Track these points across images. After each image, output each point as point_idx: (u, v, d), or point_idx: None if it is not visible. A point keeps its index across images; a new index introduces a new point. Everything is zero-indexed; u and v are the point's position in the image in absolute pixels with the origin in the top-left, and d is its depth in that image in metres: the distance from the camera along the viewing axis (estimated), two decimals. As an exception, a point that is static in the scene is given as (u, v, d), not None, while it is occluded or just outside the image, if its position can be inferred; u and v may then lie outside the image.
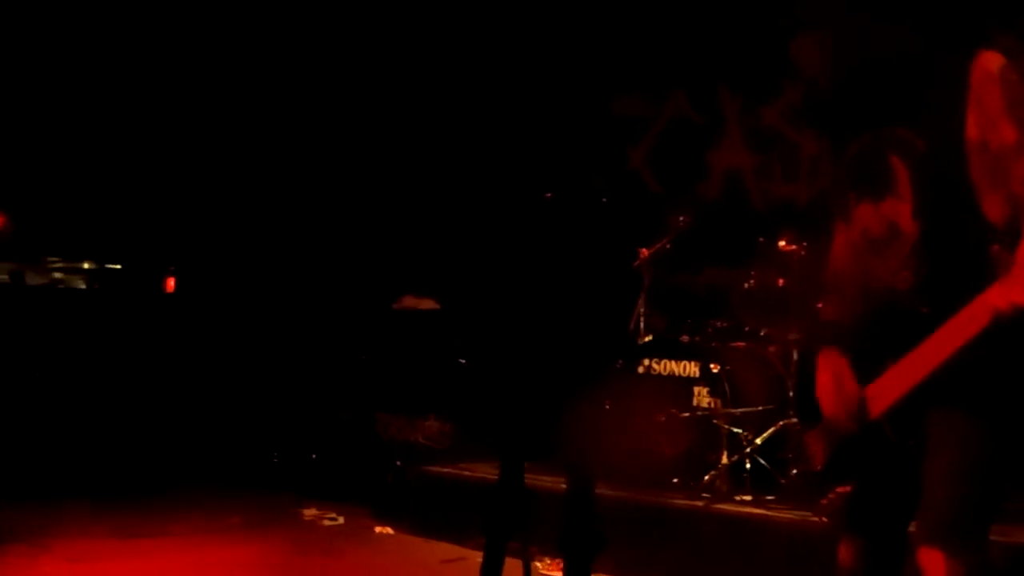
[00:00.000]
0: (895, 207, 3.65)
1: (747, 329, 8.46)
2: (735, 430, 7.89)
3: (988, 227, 3.47)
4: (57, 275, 10.52)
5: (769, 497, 7.48)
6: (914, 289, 3.57)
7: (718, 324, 8.62)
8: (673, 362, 8.39)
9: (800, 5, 3.80)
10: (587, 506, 5.80)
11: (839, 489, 3.79)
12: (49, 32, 10.70)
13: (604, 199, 6.79)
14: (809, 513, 4.27)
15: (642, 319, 8.74)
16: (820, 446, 3.91)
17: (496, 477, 7.80)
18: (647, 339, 8.65)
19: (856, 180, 3.77)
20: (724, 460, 7.79)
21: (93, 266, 10.64)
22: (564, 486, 5.86)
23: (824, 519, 3.87)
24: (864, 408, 3.70)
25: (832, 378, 3.80)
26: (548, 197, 6.31)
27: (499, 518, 5.78)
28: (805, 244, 8.05)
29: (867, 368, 3.70)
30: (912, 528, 3.64)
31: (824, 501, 3.85)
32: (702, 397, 8.18)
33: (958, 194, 3.51)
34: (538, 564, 7.05)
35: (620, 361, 8.51)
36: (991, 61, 3.48)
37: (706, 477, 7.78)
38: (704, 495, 7.61)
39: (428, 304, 10.59)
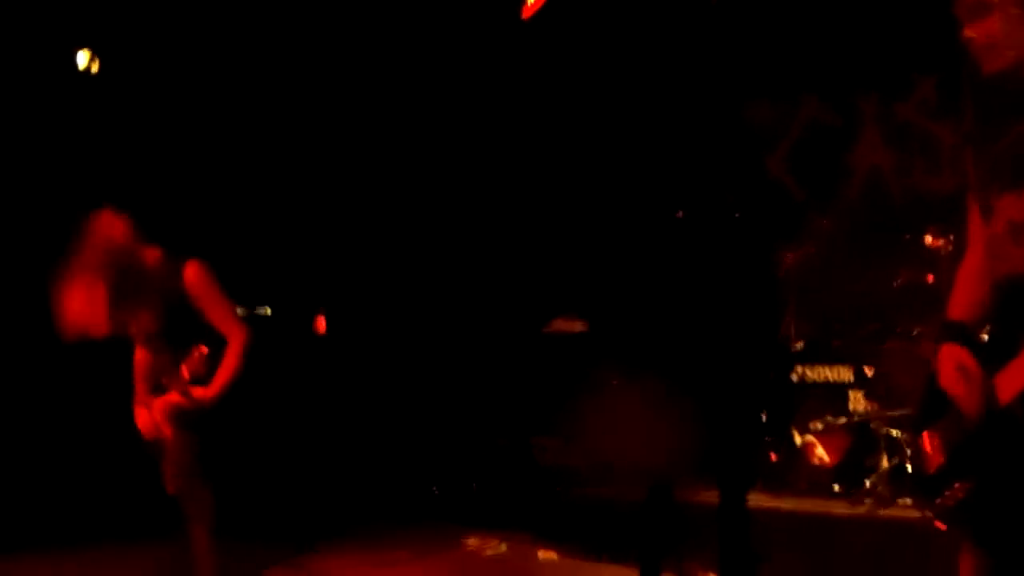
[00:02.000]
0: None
1: (899, 329, 8.33)
2: (893, 433, 7.76)
3: None
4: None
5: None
6: None
7: (870, 326, 8.50)
8: (827, 367, 8.31)
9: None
10: (741, 520, 5.76)
11: (958, 485, 3.67)
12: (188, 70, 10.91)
13: (737, 214, 6.75)
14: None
15: (793, 326, 8.66)
16: (938, 444, 3.82)
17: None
18: (799, 345, 8.57)
19: (1004, 172, 3.72)
20: (884, 464, 7.66)
21: (244, 312, 10.79)
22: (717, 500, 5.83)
23: (940, 524, 3.77)
24: (993, 395, 3.61)
25: (956, 366, 3.71)
26: (679, 216, 6.29)
27: (650, 536, 5.77)
28: (952, 237, 7.91)
29: (1001, 358, 3.61)
30: None
31: (940, 501, 3.75)
32: (858, 401, 8.08)
33: None
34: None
35: (772, 372, 8.44)
36: None
37: (867, 483, 7.66)
38: (866, 501, 7.49)
39: (578, 326, 10.58)
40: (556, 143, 11.27)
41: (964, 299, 3.89)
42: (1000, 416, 3.59)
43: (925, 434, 3.88)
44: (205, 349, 5.82)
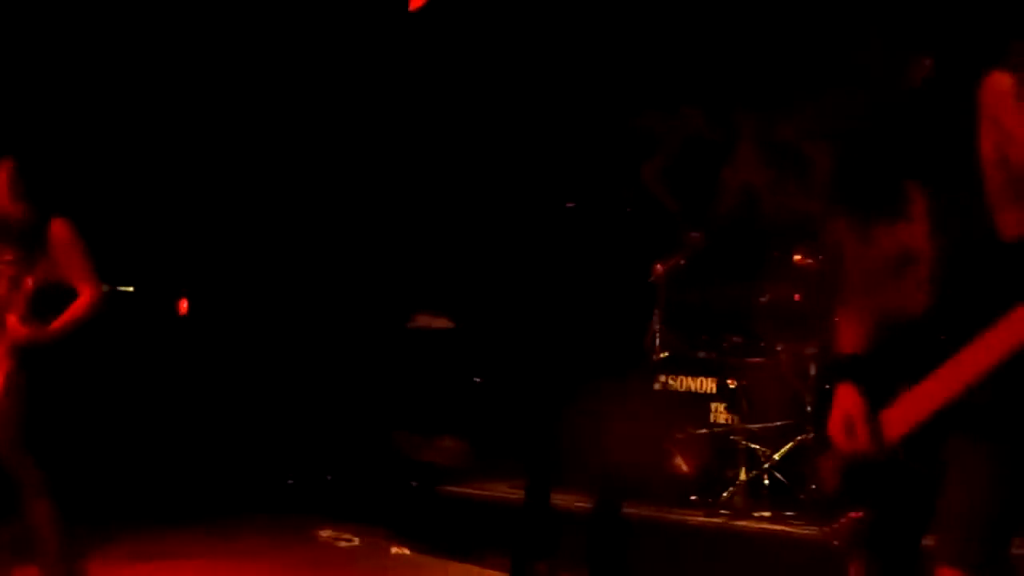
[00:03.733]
0: (910, 230, 3.64)
1: (763, 344, 8.43)
2: (753, 446, 7.87)
3: (1004, 247, 3.48)
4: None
5: (788, 513, 7.45)
6: (930, 314, 3.55)
7: (734, 340, 8.60)
8: (690, 378, 8.39)
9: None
10: (614, 524, 5.78)
11: (851, 514, 3.77)
12: (64, 53, 10.70)
13: (628, 209, 6.78)
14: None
15: (658, 336, 8.71)
16: (832, 469, 3.89)
17: (513, 497, 7.81)
18: (663, 355, 8.62)
19: (873, 202, 3.77)
20: (742, 476, 7.77)
21: (106, 288, 10.60)
22: (589, 505, 5.84)
23: (835, 542, 3.84)
24: (879, 433, 3.68)
25: (843, 417, 3.75)
26: (570, 206, 6.27)
27: (526, 540, 5.76)
28: (820, 258, 8.02)
29: (883, 393, 3.66)
30: (927, 546, 3.62)
31: (836, 525, 3.84)
32: (719, 413, 8.16)
33: (976, 215, 3.52)
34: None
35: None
36: (1002, 81, 3.49)
37: (724, 494, 7.75)
38: (723, 512, 7.57)
39: (442, 322, 10.57)
40: (434, 128, 11.24)
41: (852, 330, 3.87)
42: (886, 453, 3.67)
43: (819, 459, 3.94)
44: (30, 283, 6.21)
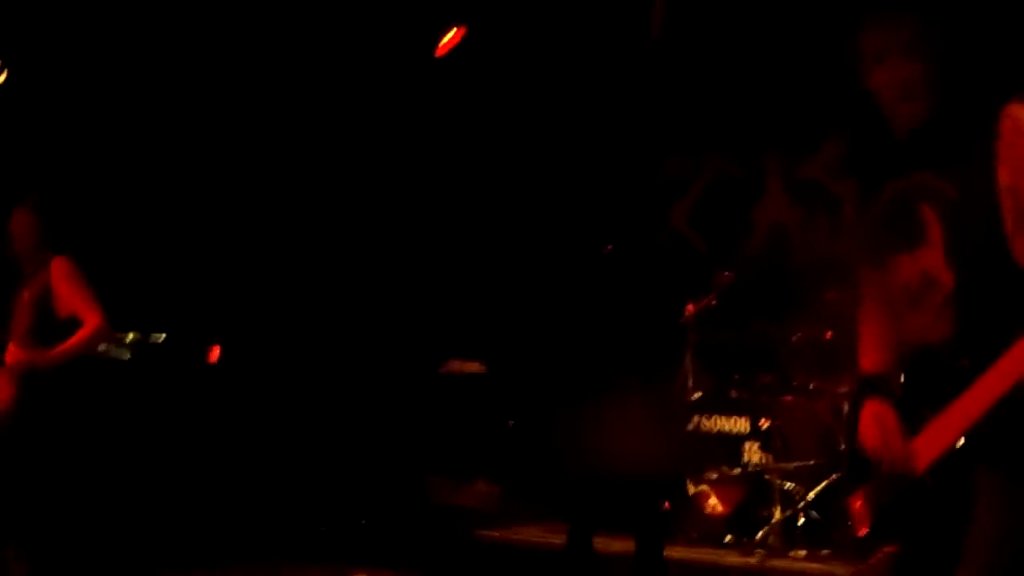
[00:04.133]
0: (928, 257, 3.61)
1: (796, 383, 8.41)
2: (787, 485, 7.82)
3: (1021, 274, 3.46)
4: (102, 347, 10.52)
5: (824, 551, 7.41)
6: (951, 341, 3.52)
7: (766, 379, 8.58)
8: (723, 418, 8.36)
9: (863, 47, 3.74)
10: (659, 567, 5.77)
11: (885, 549, 3.76)
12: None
13: (664, 254, 6.80)
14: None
15: (690, 376, 8.69)
16: (866, 507, 3.82)
17: (546, 541, 7.80)
18: (696, 396, 8.61)
19: (888, 230, 3.72)
20: (777, 515, 7.72)
21: (137, 337, 10.66)
22: (632, 548, 5.83)
23: None
24: (911, 460, 3.60)
25: (879, 426, 3.67)
26: (608, 250, 6.29)
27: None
28: (852, 296, 8.00)
29: (908, 424, 3.60)
30: None
31: (868, 564, 3.81)
32: (753, 452, 8.13)
33: (990, 242, 3.49)
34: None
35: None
36: (1020, 112, 3.51)
37: (759, 533, 7.71)
38: (758, 551, 7.53)
39: (474, 367, 10.58)
40: (464, 179, 11.27)
41: (876, 353, 3.82)
42: (915, 484, 3.60)
43: (852, 499, 3.90)
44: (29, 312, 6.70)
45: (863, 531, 3.81)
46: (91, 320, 6.71)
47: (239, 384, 11.15)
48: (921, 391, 3.59)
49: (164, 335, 10.81)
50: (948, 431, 3.47)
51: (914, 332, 3.65)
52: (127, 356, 10.68)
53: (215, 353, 11.19)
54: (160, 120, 11.01)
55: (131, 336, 10.64)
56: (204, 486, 10.39)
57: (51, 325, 6.68)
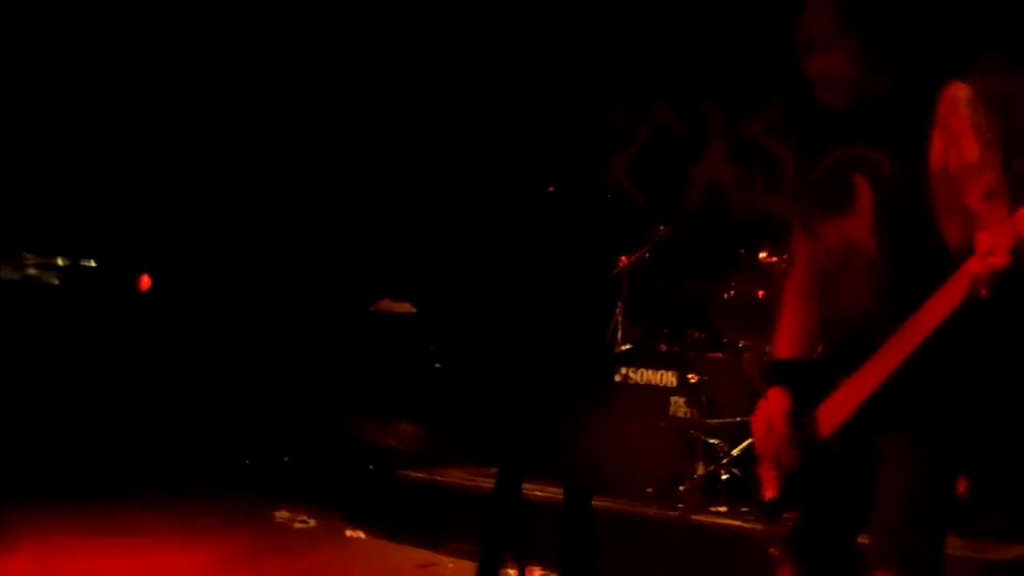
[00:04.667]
0: (854, 224, 3.67)
1: (726, 340, 8.44)
2: (711, 441, 7.87)
3: (947, 252, 3.52)
4: (31, 271, 10.43)
5: (744, 508, 7.46)
6: (871, 309, 3.57)
7: (696, 335, 8.59)
8: (650, 371, 8.37)
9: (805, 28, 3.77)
10: (586, 515, 5.78)
11: (786, 515, 3.77)
12: (25, 30, 10.63)
13: (609, 195, 6.77)
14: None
15: (620, 328, 8.70)
16: (772, 474, 3.89)
17: (471, 483, 7.80)
18: (625, 348, 8.62)
19: (820, 196, 3.77)
20: (700, 471, 7.77)
21: (67, 262, 10.56)
22: (561, 495, 5.83)
23: (774, 550, 3.83)
24: (814, 428, 3.70)
25: (765, 422, 3.84)
26: (551, 190, 6.23)
27: (497, 528, 5.74)
28: (786, 256, 8.03)
29: (823, 388, 3.68)
30: (861, 547, 3.65)
31: (774, 529, 3.84)
32: (679, 407, 8.15)
33: (918, 219, 3.56)
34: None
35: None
36: (959, 90, 3.59)
37: (681, 487, 7.75)
38: (679, 505, 7.58)
39: (404, 307, 10.55)
40: (401, 113, 11.22)
41: (786, 340, 3.96)
42: (818, 448, 3.68)
43: (759, 466, 3.96)
44: None
45: (769, 496, 3.88)
46: None
47: (168, 315, 11.10)
48: (839, 357, 3.64)
49: (93, 261, 10.72)
50: (854, 395, 3.54)
51: (837, 297, 3.70)
52: (56, 281, 10.59)
53: (145, 281, 11.11)
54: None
55: (61, 261, 10.55)
56: (130, 415, 10.35)
57: None
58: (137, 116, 11.23)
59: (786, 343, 3.94)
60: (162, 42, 11.14)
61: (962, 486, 4.83)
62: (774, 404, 3.82)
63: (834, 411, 3.61)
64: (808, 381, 3.77)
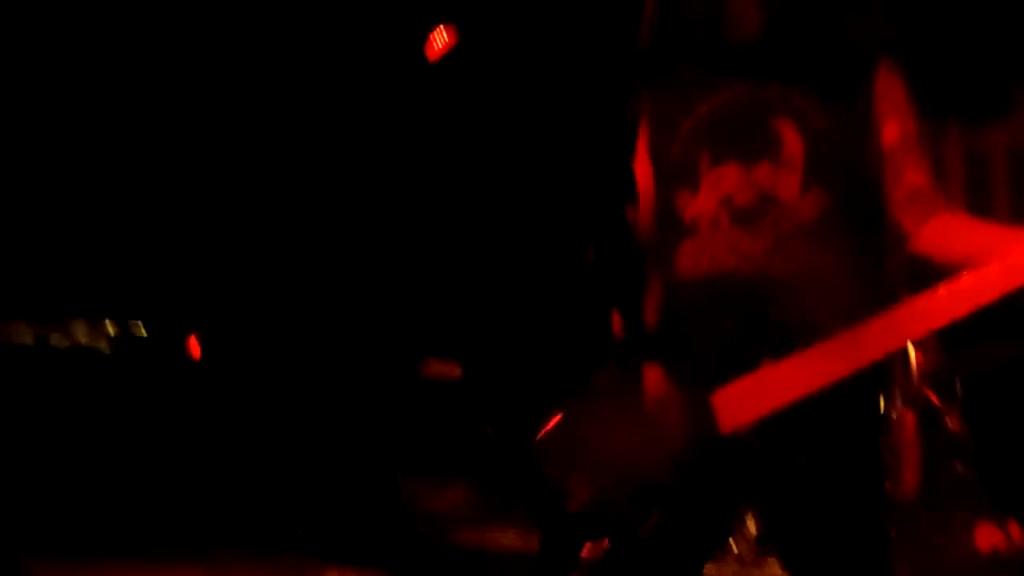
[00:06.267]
0: (774, 175, 3.06)
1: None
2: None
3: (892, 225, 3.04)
4: (81, 338, 10.52)
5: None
6: (798, 275, 2.97)
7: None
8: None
9: None
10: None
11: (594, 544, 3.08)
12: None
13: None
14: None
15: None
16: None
17: (522, 545, 7.75)
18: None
19: (716, 138, 3.12)
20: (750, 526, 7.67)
21: (117, 329, 10.65)
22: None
23: None
24: (710, 419, 2.94)
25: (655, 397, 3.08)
26: (591, 253, 6.22)
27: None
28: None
29: (722, 367, 2.93)
30: None
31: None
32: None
33: (858, 181, 3.05)
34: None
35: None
36: (896, 69, 3.18)
37: (731, 543, 7.64)
38: (731, 560, 7.48)
39: (454, 369, 10.54)
40: (440, 180, 11.25)
41: (677, 287, 3.14)
42: (707, 443, 2.96)
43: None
44: None
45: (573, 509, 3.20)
46: None
47: (218, 379, 11.14)
48: (747, 330, 2.97)
49: (144, 328, 10.79)
50: (791, 383, 2.88)
51: (743, 258, 3.04)
52: (107, 348, 10.67)
53: (195, 347, 11.16)
54: (140, 108, 10.99)
55: (111, 328, 10.63)
56: (178, 474, 10.38)
57: None
58: (187, 183, 11.34)
59: (674, 299, 3.15)
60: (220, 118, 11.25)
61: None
62: (654, 384, 3.07)
63: (747, 401, 2.90)
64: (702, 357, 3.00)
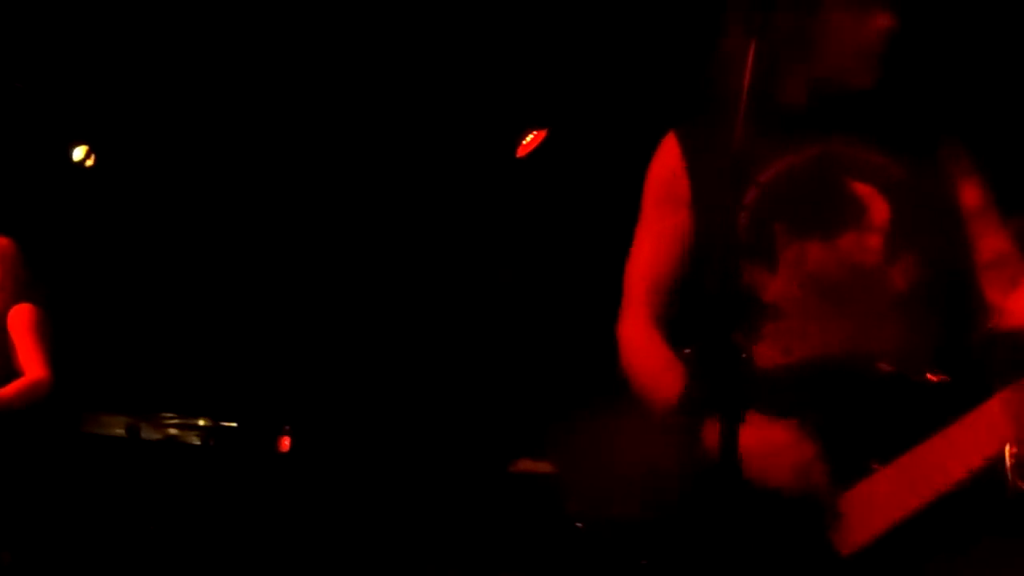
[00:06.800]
0: (860, 243, 2.88)
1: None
2: None
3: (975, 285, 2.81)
4: (172, 431, 10.57)
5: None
6: (892, 357, 2.74)
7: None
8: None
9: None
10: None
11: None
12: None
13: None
14: None
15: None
16: None
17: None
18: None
19: (789, 207, 2.94)
20: None
21: (208, 423, 10.68)
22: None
23: None
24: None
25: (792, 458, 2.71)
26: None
27: None
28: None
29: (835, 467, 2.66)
30: None
31: None
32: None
33: (942, 240, 2.87)
34: None
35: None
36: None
37: None
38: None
39: (544, 467, 10.46)
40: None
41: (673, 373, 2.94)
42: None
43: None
44: None
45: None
46: (34, 373, 6.47)
47: (308, 472, 11.13)
48: (861, 417, 2.70)
49: (235, 423, 10.82)
50: (911, 493, 2.55)
51: (829, 337, 2.81)
52: (198, 441, 10.69)
53: (286, 442, 11.17)
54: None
55: (202, 422, 10.66)
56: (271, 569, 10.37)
57: (6, 378, 6.47)
58: (272, 273, 11.42)
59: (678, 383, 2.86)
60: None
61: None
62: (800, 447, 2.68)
63: (865, 514, 2.59)
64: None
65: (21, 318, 6.57)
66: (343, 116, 10.87)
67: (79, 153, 10.56)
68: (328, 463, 11.25)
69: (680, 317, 3.13)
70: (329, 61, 10.29)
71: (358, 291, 11.61)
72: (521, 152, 10.61)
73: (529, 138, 10.55)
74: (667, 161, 3.25)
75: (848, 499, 2.67)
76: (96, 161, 10.61)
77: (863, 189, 2.86)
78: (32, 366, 6.45)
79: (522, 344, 11.29)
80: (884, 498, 2.59)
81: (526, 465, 10.57)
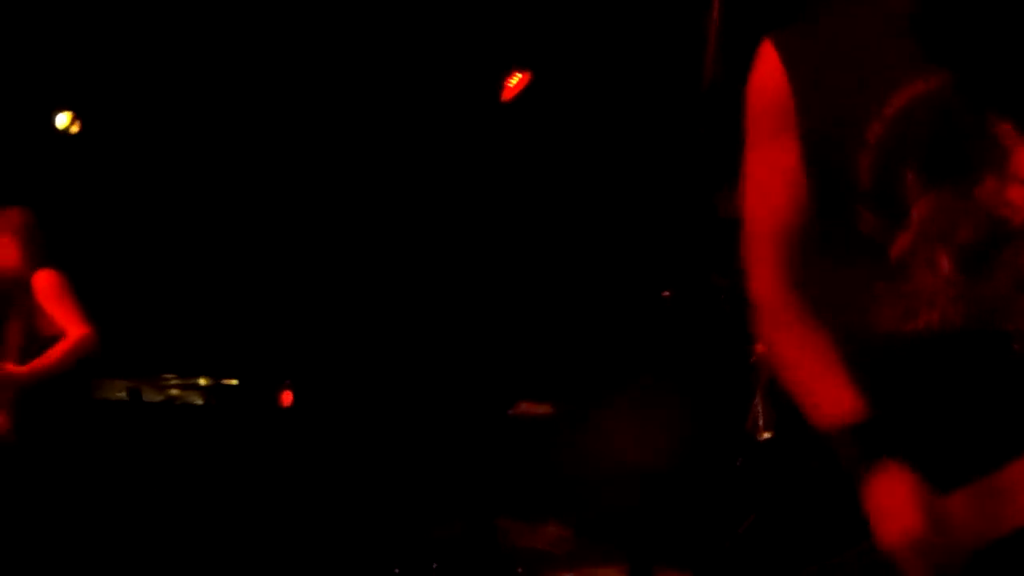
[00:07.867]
0: (1001, 194, 2.37)
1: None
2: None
3: None
4: (174, 392, 10.60)
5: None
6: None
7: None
8: (794, 458, 8.21)
9: None
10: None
11: None
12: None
13: (723, 296, 6.71)
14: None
15: (761, 416, 8.57)
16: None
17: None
18: (766, 436, 8.48)
19: (920, 150, 2.42)
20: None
21: (209, 382, 10.71)
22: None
23: None
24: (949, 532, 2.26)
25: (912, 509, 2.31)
26: (666, 295, 6.22)
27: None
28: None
29: (937, 461, 2.33)
30: None
31: None
32: (825, 493, 7.98)
33: None
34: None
35: (740, 459, 8.37)
36: None
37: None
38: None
39: (544, 409, 10.51)
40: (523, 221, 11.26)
41: (842, 389, 2.54)
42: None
43: None
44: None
45: None
46: (75, 331, 6.66)
47: (311, 428, 11.19)
48: (987, 405, 2.34)
49: (236, 380, 10.85)
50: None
51: (967, 305, 2.37)
52: (200, 401, 10.73)
53: (287, 397, 11.21)
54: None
55: (204, 381, 10.69)
56: (276, 530, 10.42)
57: (38, 344, 6.51)
58: (272, 231, 11.43)
59: (843, 398, 2.47)
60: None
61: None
62: (911, 487, 2.31)
63: (979, 515, 2.27)
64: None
65: (49, 282, 6.82)
66: (330, 69, 10.88)
67: (63, 120, 10.54)
68: (329, 416, 11.30)
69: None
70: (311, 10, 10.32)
71: (355, 243, 11.63)
72: (506, 96, 10.59)
73: (515, 80, 10.52)
74: (767, 80, 2.68)
75: (955, 501, 2.34)
76: (82, 127, 10.59)
77: (1004, 128, 2.37)
78: (72, 325, 6.69)
79: (519, 289, 11.31)
80: (994, 506, 2.29)
81: (526, 408, 10.62)
